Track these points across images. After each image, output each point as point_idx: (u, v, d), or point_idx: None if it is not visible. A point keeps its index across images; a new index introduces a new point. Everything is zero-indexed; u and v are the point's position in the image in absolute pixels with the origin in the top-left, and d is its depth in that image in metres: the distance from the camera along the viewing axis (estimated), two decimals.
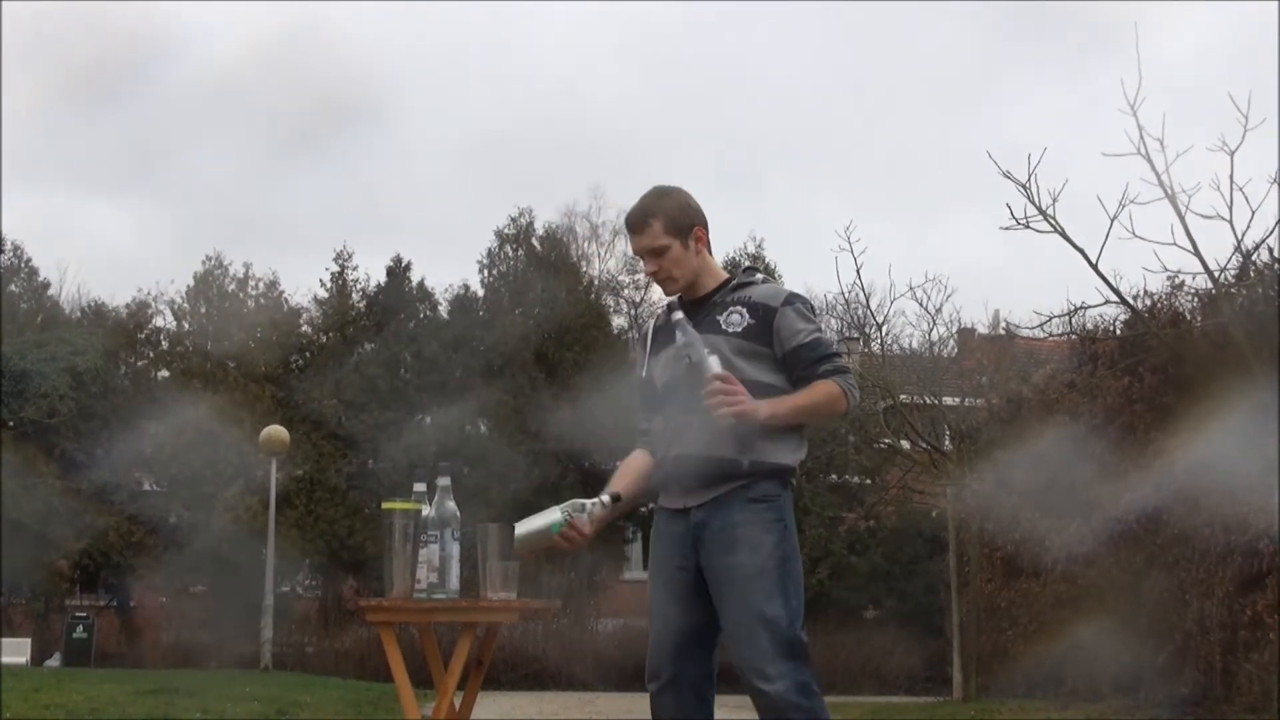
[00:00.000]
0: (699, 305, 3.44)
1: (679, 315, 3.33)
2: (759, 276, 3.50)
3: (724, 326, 3.34)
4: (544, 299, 23.13)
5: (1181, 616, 10.47)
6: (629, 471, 3.53)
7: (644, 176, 47.64)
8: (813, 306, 3.44)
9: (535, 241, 24.66)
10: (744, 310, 3.36)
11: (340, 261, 24.17)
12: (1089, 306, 10.72)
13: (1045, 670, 12.09)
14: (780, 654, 3.24)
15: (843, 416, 3.30)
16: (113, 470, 21.54)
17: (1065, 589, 12.32)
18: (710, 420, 3.21)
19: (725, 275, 3.51)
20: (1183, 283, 10.57)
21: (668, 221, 3.40)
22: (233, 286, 24.49)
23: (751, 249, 24.71)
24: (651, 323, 3.62)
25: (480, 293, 24.20)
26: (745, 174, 46.51)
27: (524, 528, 3.45)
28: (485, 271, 24.35)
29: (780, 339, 3.32)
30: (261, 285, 24.67)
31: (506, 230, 24.49)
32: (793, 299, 3.38)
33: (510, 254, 24.41)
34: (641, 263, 3.52)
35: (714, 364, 3.22)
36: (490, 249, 24.46)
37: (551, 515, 3.41)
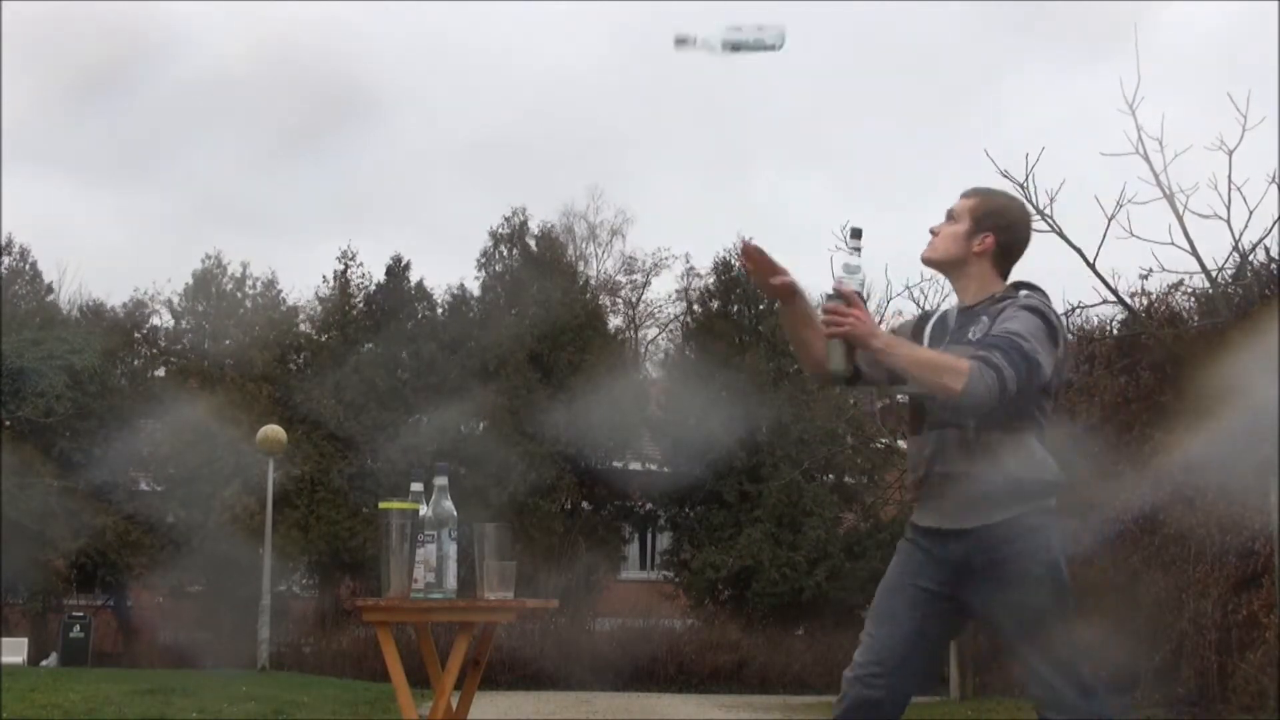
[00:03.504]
0: (963, 314, 3.35)
1: (855, 243, 3.23)
2: (1023, 293, 3.32)
3: (970, 336, 3.24)
4: (539, 299, 23.11)
5: (1177, 616, 10.47)
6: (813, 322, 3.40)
7: (644, 176, 47.65)
8: (1056, 330, 3.21)
9: (530, 241, 24.63)
10: (988, 320, 3.25)
11: (344, 260, 24.17)
12: (1087, 306, 10.74)
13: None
14: (1079, 695, 3.11)
15: (954, 396, 3.04)
16: (110, 470, 21.52)
17: None
18: (980, 437, 3.15)
19: (999, 290, 3.36)
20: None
21: (980, 207, 3.36)
22: (230, 286, 24.46)
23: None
24: (933, 317, 3.49)
25: (476, 293, 24.19)
26: (742, 172, 46.51)
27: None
28: (481, 272, 24.35)
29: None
30: (259, 285, 24.66)
31: (500, 230, 24.47)
32: (1032, 309, 3.20)
33: (505, 254, 24.39)
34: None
35: (847, 283, 3.15)
36: (486, 249, 24.46)
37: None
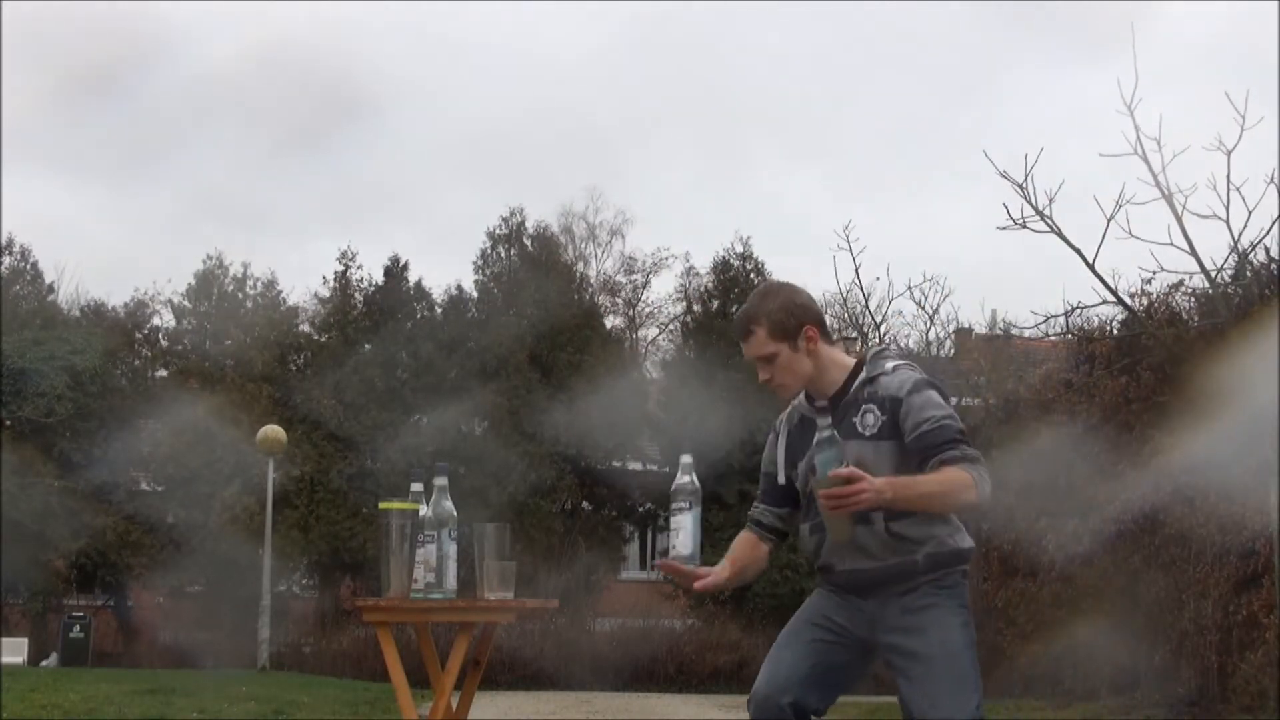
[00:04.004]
0: (835, 404, 3.28)
1: (826, 432, 3.12)
2: (889, 365, 3.30)
3: (860, 429, 3.21)
4: (536, 300, 23.10)
5: (1178, 616, 10.46)
6: (739, 555, 3.44)
7: (643, 176, 47.63)
8: (943, 391, 3.26)
9: (527, 241, 24.61)
10: (875, 408, 3.22)
11: (344, 261, 24.17)
12: (1086, 306, 10.75)
13: (1042, 670, 12.08)
14: None
15: (972, 509, 3.15)
16: (110, 470, 21.51)
17: (1062, 589, 12.32)
18: (869, 531, 3.17)
19: (852, 363, 3.35)
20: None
21: (772, 326, 3.27)
22: (231, 286, 24.46)
23: (739, 248, 24.69)
24: (785, 417, 3.47)
25: (474, 293, 24.18)
26: (739, 170, 46.50)
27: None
28: (479, 272, 24.34)
29: (906, 428, 3.18)
30: (260, 285, 24.65)
31: (498, 230, 24.46)
32: (920, 386, 3.22)
33: (503, 254, 24.38)
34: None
35: (834, 469, 3.07)
36: (484, 249, 24.44)
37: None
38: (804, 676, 3.27)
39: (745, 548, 3.46)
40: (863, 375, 3.29)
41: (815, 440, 3.13)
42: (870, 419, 3.22)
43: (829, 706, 3.34)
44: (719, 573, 3.36)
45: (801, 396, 3.39)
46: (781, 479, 3.42)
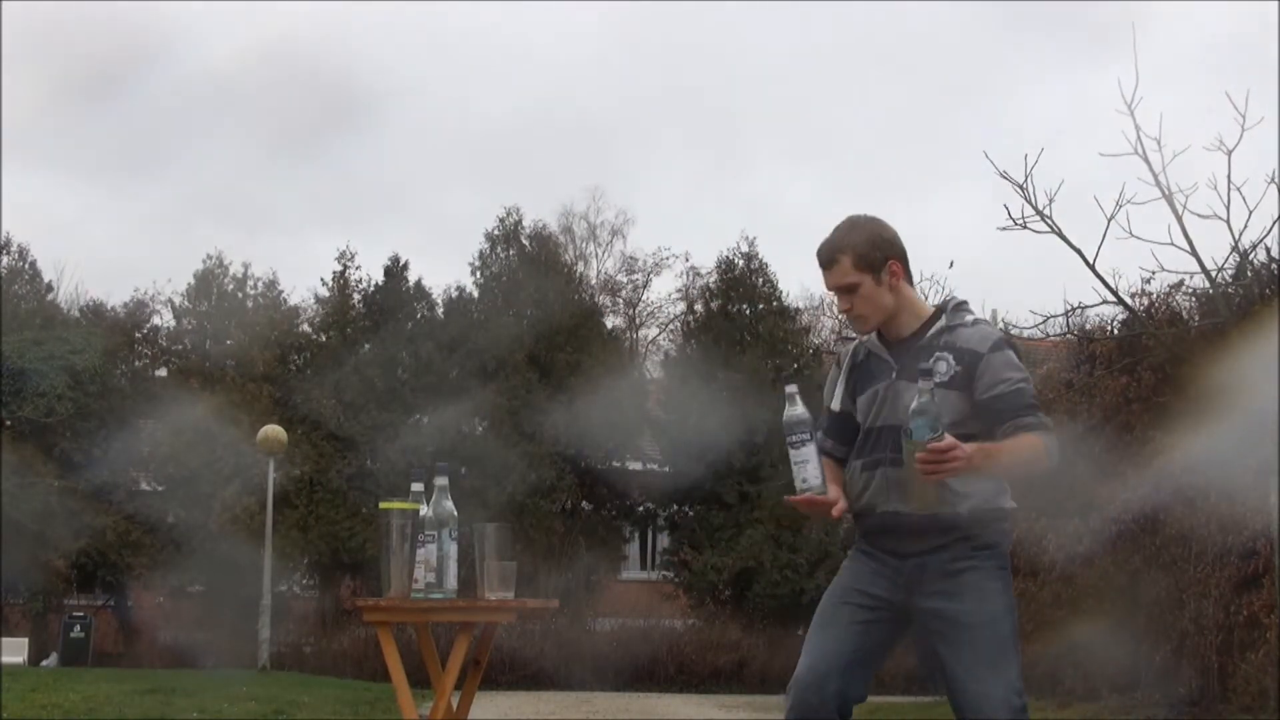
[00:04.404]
0: (903, 346, 3.28)
1: (925, 396, 3.07)
2: (969, 317, 3.30)
3: (935, 374, 3.17)
4: (535, 300, 23.09)
5: (1178, 616, 10.47)
6: (838, 477, 3.40)
7: (642, 176, 47.62)
8: (1020, 352, 3.27)
9: (525, 241, 24.59)
10: (950, 357, 3.21)
11: (343, 261, 24.16)
12: (1086, 306, 10.73)
13: (1042, 670, 12.08)
14: (1016, 713, 3.12)
15: (1041, 476, 3.15)
16: (110, 470, 21.50)
17: (1063, 589, 12.32)
18: (922, 480, 3.10)
19: (929, 311, 3.34)
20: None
21: (857, 256, 3.26)
22: (231, 286, 24.44)
23: (745, 248, 24.67)
24: (850, 351, 3.46)
25: (474, 294, 24.16)
26: (740, 170, 46.50)
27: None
28: (478, 273, 24.33)
29: (981, 385, 3.17)
30: (260, 285, 24.64)
31: (495, 231, 24.45)
32: (1001, 344, 3.22)
33: (501, 255, 24.37)
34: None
35: (929, 437, 3.03)
36: (482, 250, 24.43)
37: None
38: (846, 663, 3.24)
39: (836, 470, 3.42)
40: (941, 323, 3.28)
41: (915, 406, 3.06)
42: (943, 366, 3.20)
43: (869, 688, 3.31)
44: (839, 497, 3.32)
45: (873, 335, 3.37)
46: (836, 406, 3.42)
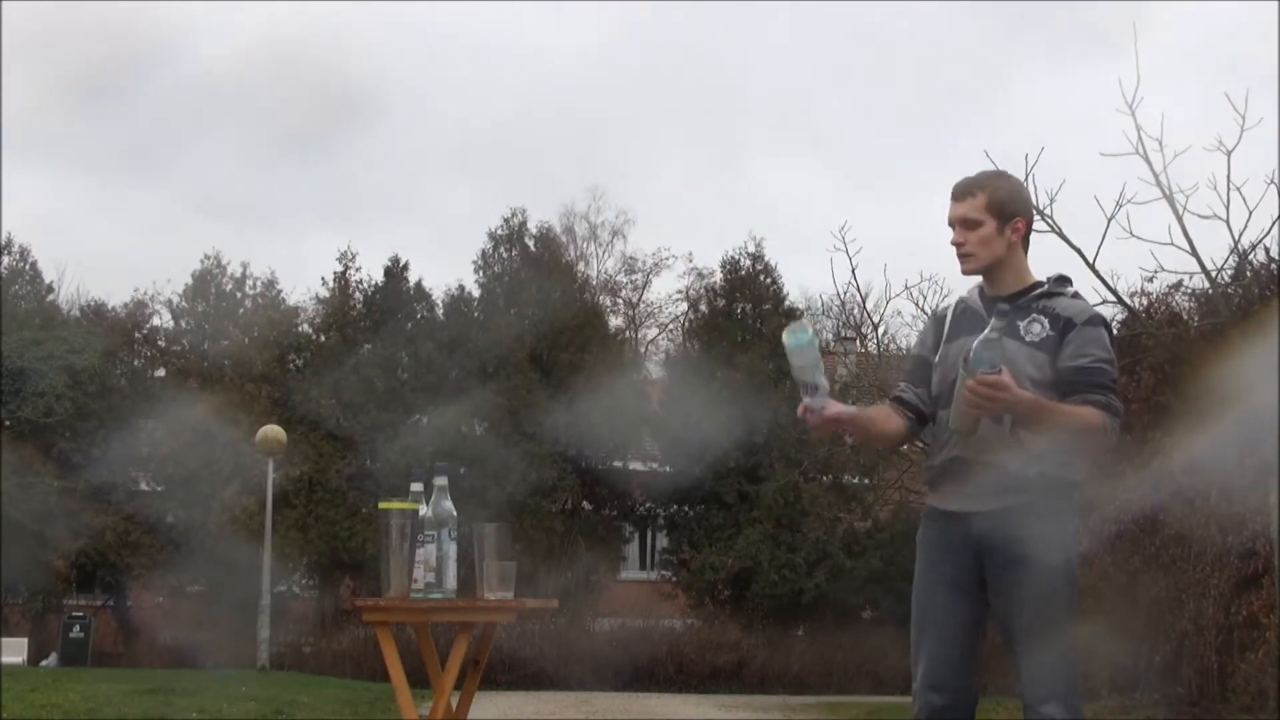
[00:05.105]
0: (1005, 305, 3.32)
1: (995, 334, 3.14)
2: (1070, 290, 3.38)
3: (1023, 334, 3.26)
4: (538, 300, 23.08)
5: (1178, 616, 10.47)
6: (871, 410, 3.47)
7: (642, 176, 47.61)
8: (1114, 336, 3.33)
9: (529, 241, 24.59)
10: (1046, 321, 3.27)
11: (344, 261, 24.15)
12: None
13: None
14: (1070, 689, 3.17)
15: (1095, 454, 3.23)
16: (110, 470, 21.49)
17: None
18: (994, 426, 3.15)
19: (1034, 280, 3.39)
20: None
21: (993, 200, 3.32)
22: (230, 286, 24.43)
23: (751, 248, 24.66)
24: (951, 305, 3.51)
25: (476, 294, 24.16)
26: (741, 170, 46.50)
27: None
28: (480, 272, 24.33)
29: (1066, 353, 3.23)
30: (259, 285, 24.63)
31: (499, 231, 24.45)
32: (1096, 320, 3.29)
33: (504, 255, 24.36)
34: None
35: (989, 372, 3.06)
36: (485, 250, 24.43)
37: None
38: (958, 665, 3.31)
39: (880, 410, 3.47)
40: (1043, 288, 3.34)
41: (982, 337, 3.11)
42: (1037, 328, 3.26)
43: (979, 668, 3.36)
44: (845, 408, 3.33)
45: (974, 291, 3.42)
46: (920, 351, 3.49)
